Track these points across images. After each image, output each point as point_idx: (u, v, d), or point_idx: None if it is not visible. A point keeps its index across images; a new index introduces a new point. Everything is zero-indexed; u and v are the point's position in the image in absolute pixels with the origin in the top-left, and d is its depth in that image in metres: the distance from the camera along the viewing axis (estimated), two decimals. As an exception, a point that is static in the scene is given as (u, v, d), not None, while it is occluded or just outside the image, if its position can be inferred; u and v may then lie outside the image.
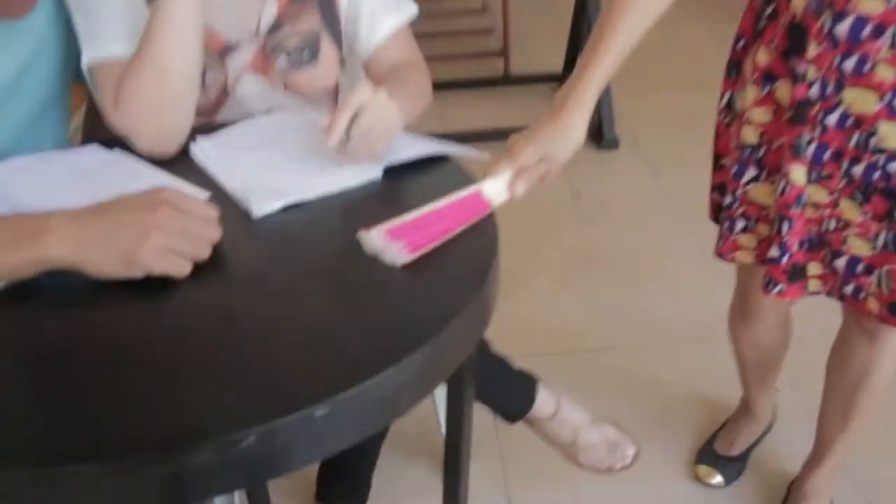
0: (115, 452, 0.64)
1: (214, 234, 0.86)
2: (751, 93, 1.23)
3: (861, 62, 1.10)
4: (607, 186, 2.74)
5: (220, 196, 0.98)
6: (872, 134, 1.13)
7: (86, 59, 1.12)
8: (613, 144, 2.93)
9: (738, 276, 1.51)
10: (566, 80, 1.09)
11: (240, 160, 1.07)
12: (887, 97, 1.10)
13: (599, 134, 2.92)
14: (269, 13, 1.21)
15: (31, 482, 0.64)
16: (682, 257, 2.35)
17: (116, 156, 1.09)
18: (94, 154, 1.09)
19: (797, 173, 1.20)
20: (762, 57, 1.20)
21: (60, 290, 0.84)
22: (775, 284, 1.27)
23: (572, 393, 1.86)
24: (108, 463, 0.64)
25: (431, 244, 0.88)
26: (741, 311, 1.54)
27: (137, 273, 0.82)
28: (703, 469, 1.71)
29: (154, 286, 0.82)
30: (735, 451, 1.72)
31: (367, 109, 0.99)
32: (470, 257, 0.88)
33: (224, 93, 1.24)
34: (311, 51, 1.24)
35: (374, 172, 1.03)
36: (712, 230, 1.39)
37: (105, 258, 0.82)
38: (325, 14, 1.25)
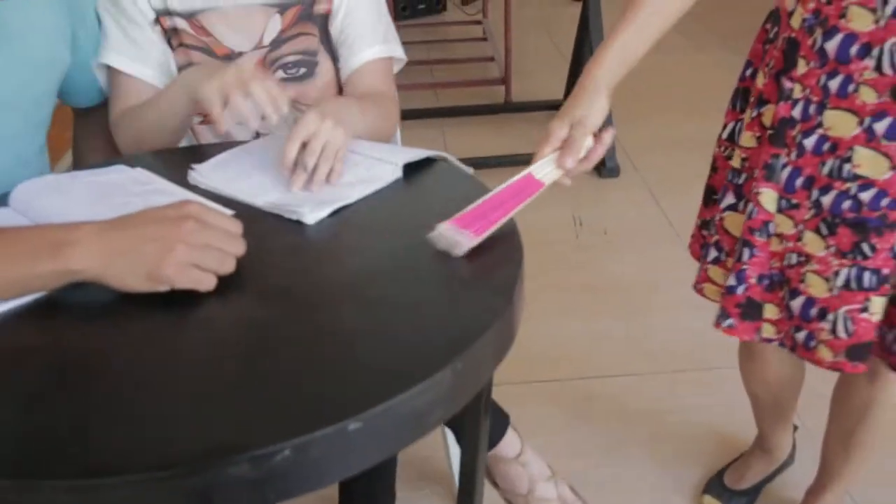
0: (146, 466, 0.63)
1: (239, 248, 0.86)
2: (747, 117, 1.23)
3: (845, 83, 1.09)
4: (609, 214, 2.75)
5: (241, 213, 0.97)
6: (847, 160, 1.11)
7: (99, 59, 1.26)
8: (614, 172, 2.95)
9: None
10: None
11: (254, 179, 1.07)
12: (867, 121, 1.09)
13: (601, 162, 2.92)
14: (273, 30, 1.28)
15: (61, 496, 0.63)
16: (685, 284, 2.34)
17: (141, 174, 1.09)
18: (119, 173, 1.10)
19: (767, 197, 1.17)
20: (760, 80, 1.21)
21: (87, 303, 0.83)
22: (726, 318, 1.23)
23: (573, 422, 1.86)
24: (139, 476, 0.62)
25: (494, 226, 0.92)
26: (747, 349, 1.50)
27: (161, 287, 0.81)
28: (707, 500, 1.68)
29: (180, 299, 0.81)
30: (744, 486, 1.69)
31: (315, 137, 1.04)
32: (497, 273, 0.88)
33: None
34: (307, 68, 1.32)
35: (396, 173, 1.08)
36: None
37: (129, 272, 0.81)
38: (322, 34, 1.32)
